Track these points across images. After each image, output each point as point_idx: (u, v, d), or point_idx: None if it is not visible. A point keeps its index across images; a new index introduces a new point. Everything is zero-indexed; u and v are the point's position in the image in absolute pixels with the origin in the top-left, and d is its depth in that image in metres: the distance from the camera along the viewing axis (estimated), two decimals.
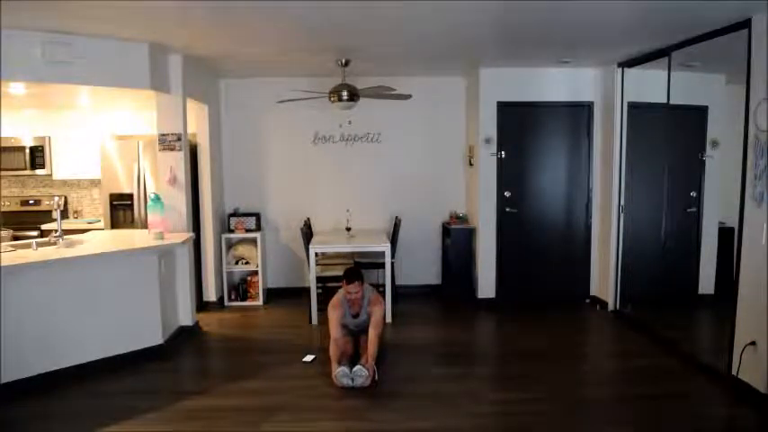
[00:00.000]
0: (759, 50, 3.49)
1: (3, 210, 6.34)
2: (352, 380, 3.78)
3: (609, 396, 3.74)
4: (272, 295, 6.25)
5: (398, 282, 6.08)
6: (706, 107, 5.08)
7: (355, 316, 4.33)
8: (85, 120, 6.16)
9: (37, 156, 6.16)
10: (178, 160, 4.97)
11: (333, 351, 4.06)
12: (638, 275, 5.30)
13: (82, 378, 3.87)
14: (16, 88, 4.59)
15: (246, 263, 6.01)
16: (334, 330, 4.16)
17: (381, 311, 4.29)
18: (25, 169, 6.18)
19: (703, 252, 5.24)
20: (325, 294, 4.52)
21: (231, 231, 5.96)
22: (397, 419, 3.36)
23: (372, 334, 4.10)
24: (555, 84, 5.72)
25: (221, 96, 6.18)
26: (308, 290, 5.56)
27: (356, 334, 4.35)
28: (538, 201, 5.93)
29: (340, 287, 4.37)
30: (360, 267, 4.37)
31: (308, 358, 4.29)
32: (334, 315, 4.21)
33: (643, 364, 4.28)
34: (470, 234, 6.05)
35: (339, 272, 4.82)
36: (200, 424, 3.32)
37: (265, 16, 3.71)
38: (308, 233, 5.83)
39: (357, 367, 3.82)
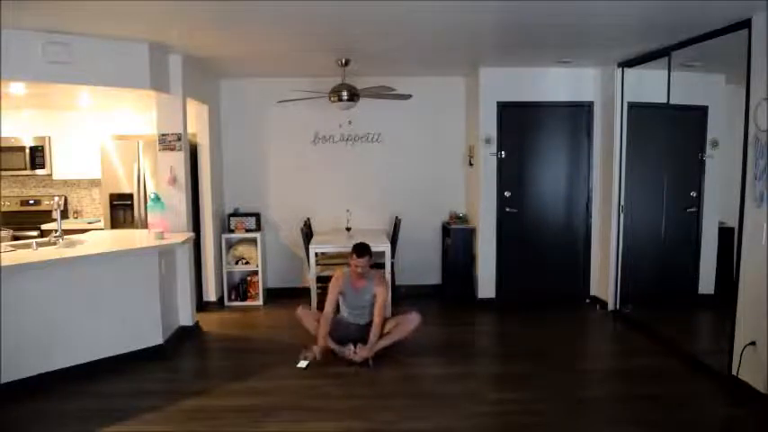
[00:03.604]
0: (759, 50, 3.49)
1: (3, 210, 6.34)
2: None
3: (609, 396, 3.74)
4: (272, 295, 6.25)
5: (398, 282, 6.08)
6: (706, 107, 5.07)
7: (358, 291, 4.42)
8: (85, 120, 6.17)
9: (37, 156, 6.16)
10: (178, 160, 4.97)
11: (323, 328, 4.28)
12: (638, 275, 5.30)
13: (82, 378, 3.87)
14: (16, 88, 4.59)
15: (246, 263, 6.01)
16: (328, 306, 4.36)
17: (386, 292, 4.46)
18: (25, 169, 6.18)
19: (703, 252, 5.23)
20: (325, 294, 4.56)
21: (231, 231, 5.96)
22: (397, 419, 3.36)
23: (377, 318, 4.30)
24: (555, 84, 5.72)
25: (221, 96, 6.18)
26: (308, 290, 5.57)
27: (357, 335, 4.37)
28: (538, 201, 5.93)
29: None
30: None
31: (303, 364, 4.19)
32: (333, 289, 4.41)
33: (643, 364, 4.28)
34: (470, 234, 6.05)
35: None
36: (200, 424, 3.32)
37: (265, 16, 3.71)
38: (308, 233, 5.83)
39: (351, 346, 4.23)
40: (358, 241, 4.52)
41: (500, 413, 3.49)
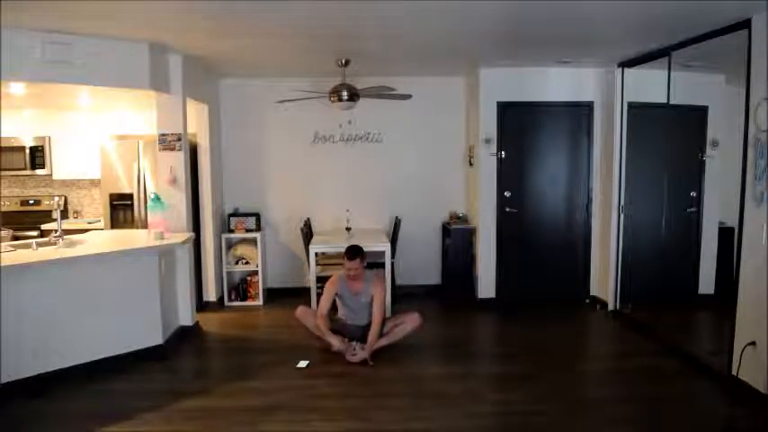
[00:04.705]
0: (759, 50, 3.49)
1: (3, 210, 6.34)
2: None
3: (609, 396, 3.74)
4: (272, 295, 6.25)
5: (398, 282, 6.08)
6: (706, 107, 5.08)
7: (356, 294, 4.40)
8: (85, 120, 6.16)
9: (37, 156, 6.16)
10: (178, 160, 4.97)
11: (323, 326, 4.31)
12: (638, 275, 5.30)
13: (82, 378, 3.87)
14: (16, 88, 4.59)
15: (246, 263, 6.01)
16: (324, 304, 4.37)
17: (384, 292, 4.44)
18: (25, 169, 6.18)
19: (703, 252, 5.23)
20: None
21: (231, 231, 5.96)
22: (397, 419, 3.36)
23: (376, 319, 4.31)
24: (555, 84, 5.72)
25: (221, 96, 6.18)
26: (308, 290, 5.57)
27: (358, 335, 4.37)
28: (538, 201, 5.93)
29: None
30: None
31: (302, 364, 4.21)
32: (329, 291, 4.41)
33: (643, 364, 4.28)
34: (470, 234, 6.05)
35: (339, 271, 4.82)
36: (200, 424, 3.32)
37: (266, 17, 3.71)
38: (308, 233, 5.83)
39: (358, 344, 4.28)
40: (355, 242, 4.53)
41: (500, 413, 3.49)
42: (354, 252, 4.34)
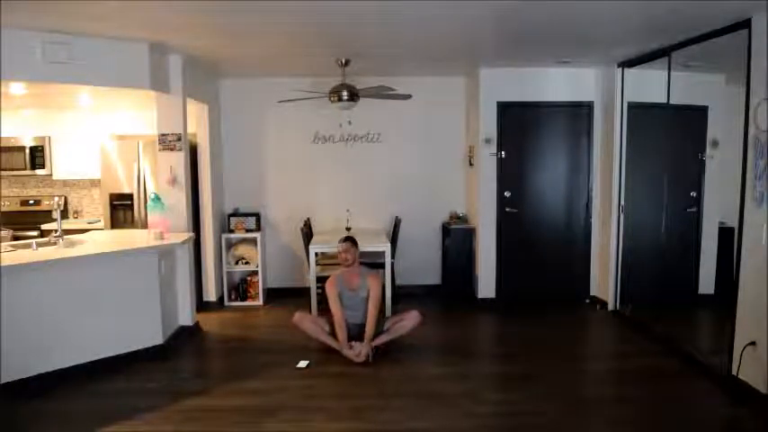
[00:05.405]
0: (759, 50, 3.48)
1: (3, 210, 6.34)
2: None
3: (609, 396, 3.75)
4: (272, 295, 6.25)
5: (398, 282, 6.08)
6: (706, 107, 5.08)
7: (353, 290, 4.43)
8: (85, 120, 6.17)
9: (37, 156, 6.16)
10: (178, 160, 4.97)
11: (340, 334, 4.29)
12: (638, 275, 5.30)
13: (82, 378, 3.87)
14: (16, 88, 4.59)
15: (246, 263, 6.01)
16: (337, 311, 4.35)
17: (379, 286, 4.48)
18: (25, 169, 6.19)
19: (703, 252, 5.23)
20: (324, 295, 4.58)
21: (231, 231, 5.96)
22: (397, 419, 3.36)
23: (371, 312, 4.30)
24: (555, 84, 5.72)
25: (221, 96, 6.18)
26: (308, 290, 5.57)
27: (356, 333, 4.37)
28: (538, 201, 5.93)
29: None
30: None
31: (302, 364, 4.21)
32: (331, 292, 4.41)
33: (643, 364, 4.28)
34: (470, 234, 6.05)
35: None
36: (200, 424, 3.32)
37: (266, 17, 3.71)
38: (308, 233, 5.83)
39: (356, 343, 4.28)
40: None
41: (500, 413, 3.49)
42: (347, 238, 4.53)
